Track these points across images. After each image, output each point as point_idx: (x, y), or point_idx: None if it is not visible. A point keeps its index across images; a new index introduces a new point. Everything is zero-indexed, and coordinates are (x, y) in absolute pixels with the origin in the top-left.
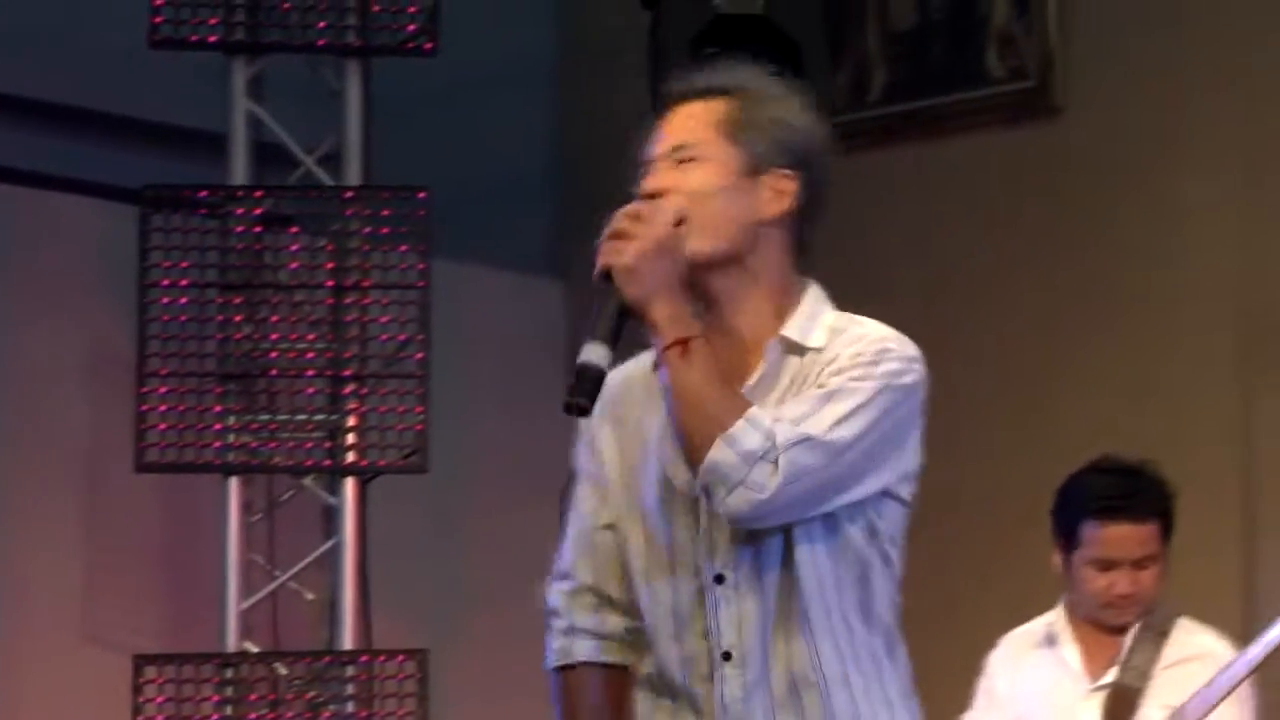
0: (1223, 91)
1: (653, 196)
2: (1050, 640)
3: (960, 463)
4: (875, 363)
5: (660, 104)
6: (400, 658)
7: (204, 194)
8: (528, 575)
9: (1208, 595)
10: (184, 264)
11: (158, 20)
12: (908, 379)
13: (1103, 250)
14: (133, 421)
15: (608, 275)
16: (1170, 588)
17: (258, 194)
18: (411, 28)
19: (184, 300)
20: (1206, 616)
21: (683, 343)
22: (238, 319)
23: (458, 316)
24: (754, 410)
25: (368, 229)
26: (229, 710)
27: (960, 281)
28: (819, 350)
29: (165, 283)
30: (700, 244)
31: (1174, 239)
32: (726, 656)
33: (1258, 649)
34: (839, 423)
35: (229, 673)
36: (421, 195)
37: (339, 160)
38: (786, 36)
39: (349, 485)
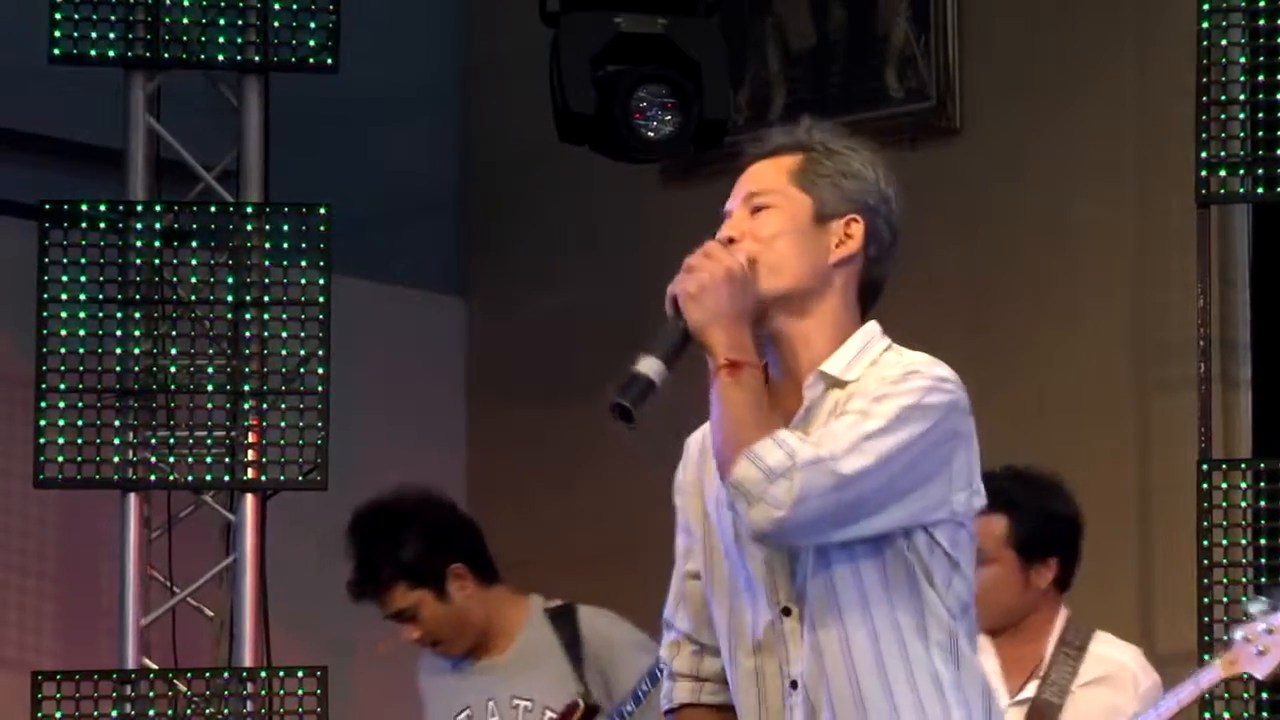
0: (1117, 113)
1: (730, 242)
2: None
3: None
4: (898, 382)
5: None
6: (300, 675)
7: (103, 209)
8: None
9: (1103, 600)
10: (82, 279)
11: (57, 35)
12: (933, 398)
13: (1000, 269)
14: (31, 437)
15: (675, 303)
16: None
17: (157, 210)
18: (312, 44)
19: (82, 316)
20: (1101, 622)
21: (734, 366)
22: (136, 335)
23: (358, 333)
24: (782, 431)
25: (268, 245)
26: None
27: None
28: (852, 383)
29: (63, 298)
30: (770, 283)
31: (1070, 258)
32: (794, 685)
33: (1170, 706)
34: (855, 448)
35: (128, 690)
36: (322, 211)
37: (239, 176)
38: (687, 56)
39: (248, 502)
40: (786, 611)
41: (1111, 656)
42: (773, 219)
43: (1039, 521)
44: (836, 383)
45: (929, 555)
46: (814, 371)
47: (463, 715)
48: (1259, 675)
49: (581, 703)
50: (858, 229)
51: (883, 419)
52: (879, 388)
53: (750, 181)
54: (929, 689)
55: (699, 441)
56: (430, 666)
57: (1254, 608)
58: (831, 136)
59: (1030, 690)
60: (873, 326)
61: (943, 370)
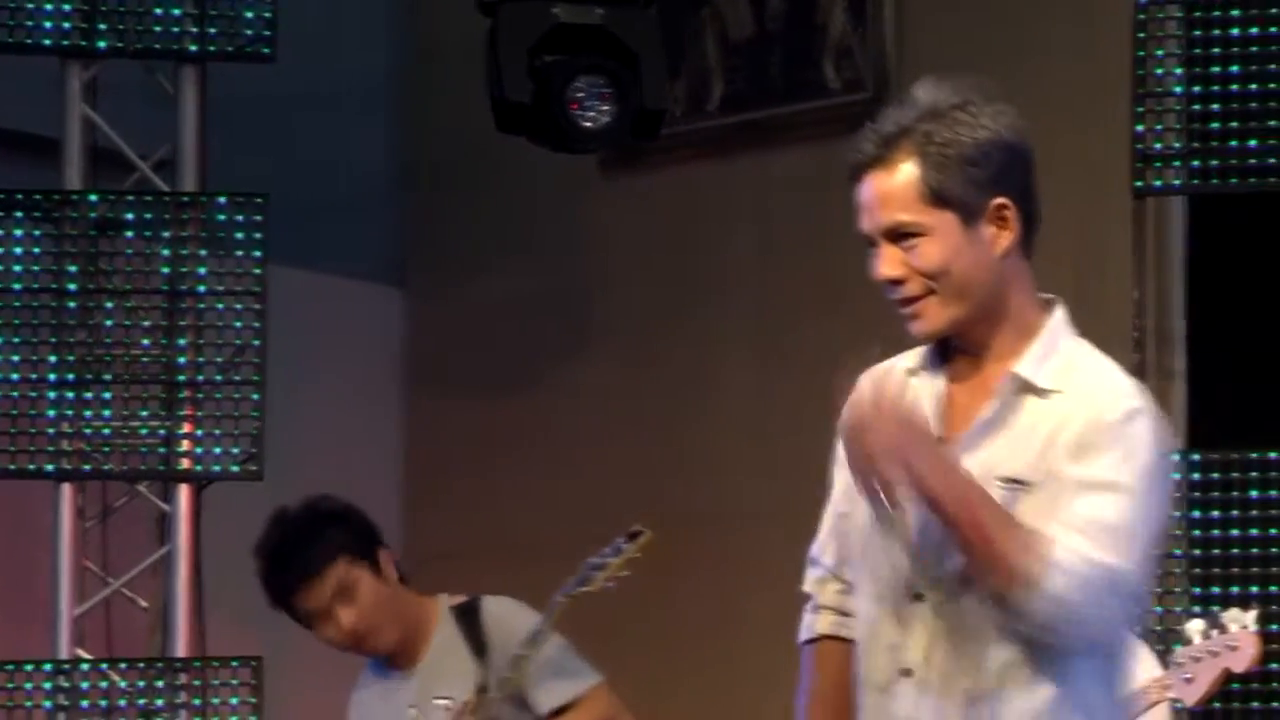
0: (1053, 105)
1: (896, 282)
2: None
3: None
4: (1125, 437)
5: (852, 171)
6: (234, 665)
7: (37, 198)
8: None
9: None
10: (16, 269)
11: None
12: (1163, 438)
13: None
14: None
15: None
16: None
17: (92, 199)
18: (249, 34)
19: (16, 305)
20: None
21: (957, 484)
22: (71, 324)
23: (295, 323)
24: (1044, 546)
25: (204, 235)
26: (61, 718)
27: (799, 290)
28: (1052, 392)
29: None
30: (956, 311)
31: None
32: (906, 673)
33: None
34: (1129, 536)
35: (62, 680)
36: (259, 201)
37: (175, 166)
38: (625, 46)
39: (183, 492)
40: (918, 597)
41: None
42: (930, 249)
43: None
44: (1031, 388)
45: None
46: (1007, 374)
47: None
48: (1188, 703)
49: (474, 692)
50: (1006, 210)
51: (1134, 496)
52: (1106, 438)
53: (884, 208)
54: (1067, 710)
55: (877, 376)
56: (358, 702)
57: (1191, 627)
58: (931, 113)
59: None
60: (1057, 320)
61: (1144, 395)
